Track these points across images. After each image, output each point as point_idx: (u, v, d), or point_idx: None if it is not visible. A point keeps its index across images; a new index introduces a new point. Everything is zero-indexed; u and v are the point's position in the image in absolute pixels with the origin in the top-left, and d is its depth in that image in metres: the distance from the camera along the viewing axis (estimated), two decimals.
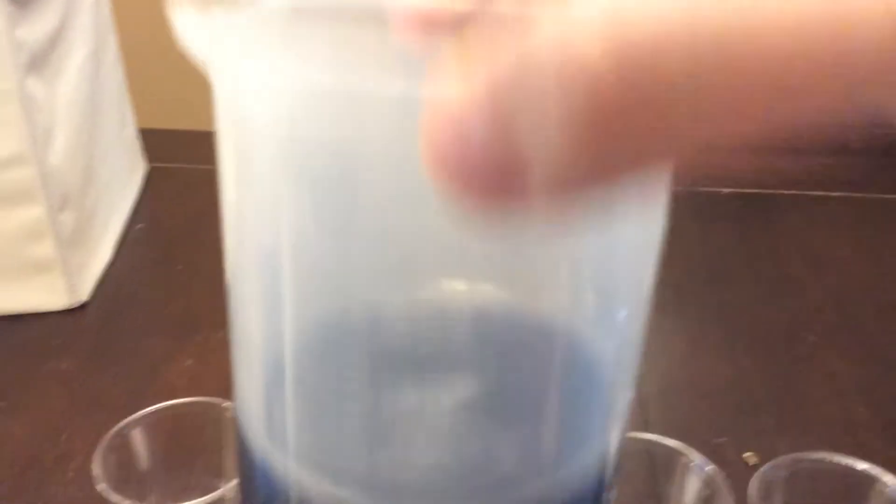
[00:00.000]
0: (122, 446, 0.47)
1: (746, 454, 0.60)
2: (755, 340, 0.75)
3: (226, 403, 0.49)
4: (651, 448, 0.48)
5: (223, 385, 0.53)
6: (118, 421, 0.49)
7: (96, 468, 0.45)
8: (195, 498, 0.44)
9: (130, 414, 0.49)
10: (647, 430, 0.58)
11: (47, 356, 0.71)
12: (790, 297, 0.81)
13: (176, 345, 0.72)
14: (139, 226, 0.89)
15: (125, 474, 0.46)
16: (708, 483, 0.46)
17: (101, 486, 0.44)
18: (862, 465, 0.45)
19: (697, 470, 0.46)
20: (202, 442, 0.49)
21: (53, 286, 0.74)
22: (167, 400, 0.51)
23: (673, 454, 0.47)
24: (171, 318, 0.77)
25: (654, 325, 0.83)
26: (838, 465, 0.46)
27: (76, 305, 0.76)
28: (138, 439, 0.48)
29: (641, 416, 0.65)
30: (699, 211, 0.95)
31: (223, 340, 0.80)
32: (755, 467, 0.50)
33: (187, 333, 0.74)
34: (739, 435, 0.63)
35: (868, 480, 0.45)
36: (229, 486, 0.45)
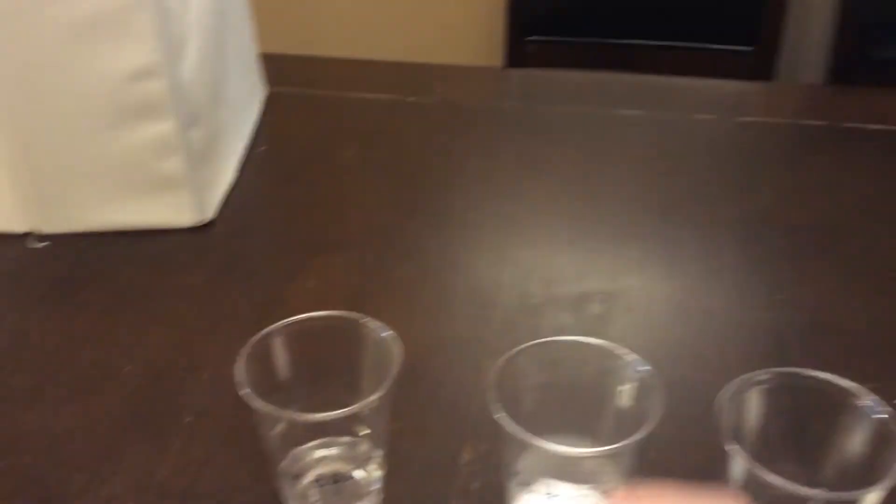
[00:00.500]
0: (263, 354, 0.46)
1: None
2: None
3: (364, 319, 0.48)
4: (814, 385, 0.44)
5: (346, 306, 0.52)
6: (246, 335, 0.48)
7: (239, 373, 0.44)
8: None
9: (258, 329, 0.49)
10: None
11: (176, 271, 0.72)
12: None
13: (299, 265, 0.72)
14: (261, 148, 0.89)
15: (265, 383, 0.46)
16: (879, 428, 0.42)
17: (245, 392, 0.43)
18: None
19: (869, 413, 0.42)
20: (341, 356, 0.49)
21: (181, 203, 0.75)
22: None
23: (842, 394, 0.43)
24: (293, 239, 0.77)
25: (802, 266, 0.78)
26: None
27: (203, 223, 0.76)
28: (279, 349, 0.47)
29: (782, 357, 0.62)
30: (849, 148, 0.89)
31: (345, 261, 0.79)
32: None
33: (309, 254, 0.73)
34: (891, 381, 0.58)
35: None
36: (367, 402, 0.44)
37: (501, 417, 0.42)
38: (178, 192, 0.74)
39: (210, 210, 0.77)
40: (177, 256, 0.73)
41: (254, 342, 0.46)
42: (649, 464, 0.53)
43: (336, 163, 0.88)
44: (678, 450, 0.54)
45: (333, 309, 0.50)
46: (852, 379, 0.59)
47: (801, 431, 0.46)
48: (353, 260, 0.73)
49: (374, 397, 0.44)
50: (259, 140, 0.90)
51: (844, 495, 0.40)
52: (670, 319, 0.66)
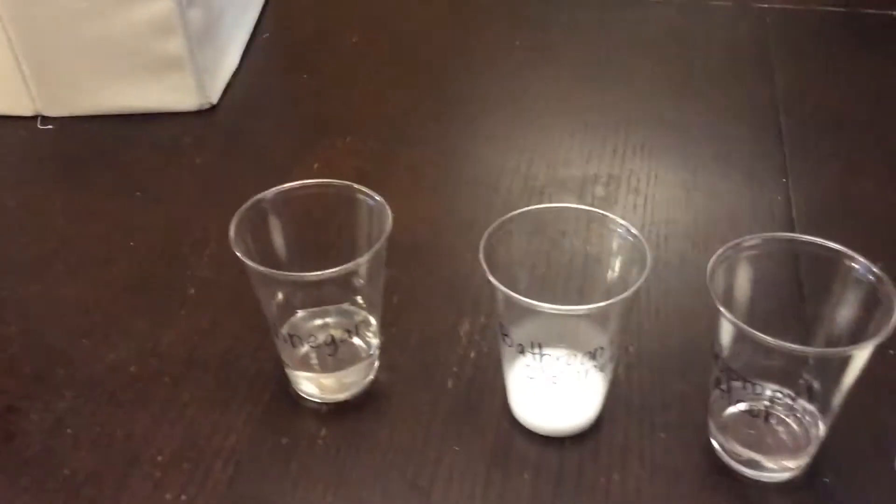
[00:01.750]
0: (256, 219, 0.47)
1: None
2: None
3: (356, 186, 0.48)
4: (804, 248, 0.44)
5: None
6: None
7: (233, 232, 0.44)
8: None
9: None
10: None
11: (181, 153, 0.72)
12: None
13: (303, 148, 0.72)
14: (265, 35, 0.88)
15: (261, 249, 0.46)
16: (871, 288, 0.42)
17: (236, 248, 0.44)
18: None
19: (859, 274, 0.42)
20: (333, 222, 0.49)
21: (184, 85, 0.74)
22: None
23: (839, 257, 0.43)
24: (298, 123, 0.76)
25: (810, 148, 0.77)
26: None
27: (207, 107, 0.76)
28: (271, 214, 0.47)
29: (788, 231, 0.61)
30: (864, 33, 0.86)
31: (349, 146, 0.79)
32: None
33: (314, 138, 0.73)
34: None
35: None
36: (357, 262, 0.45)
37: (492, 279, 0.42)
38: (181, 74, 0.73)
39: (214, 93, 0.76)
40: (182, 139, 0.73)
41: (246, 206, 0.46)
42: (647, 335, 0.54)
43: (341, 49, 0.86)
44: (675, 321, 0.55)
45: None
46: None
47: (791, 294, 0.46)
48: (358, 145, 0.72)
49: (364, 258, 0.44)
50: (264, 26, 0.89)
51: (832, 351, 0.40)
52: (675, 201, 0.66)
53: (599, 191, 0.67)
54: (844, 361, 0.41)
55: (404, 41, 0.87)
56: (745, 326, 0.40)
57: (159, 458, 0.47)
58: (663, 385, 0.51)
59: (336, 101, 0.79)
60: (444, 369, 0.52)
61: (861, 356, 0.40)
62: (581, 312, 0.41)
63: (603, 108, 0.76)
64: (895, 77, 0.79)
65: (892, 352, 0.49)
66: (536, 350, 0.44)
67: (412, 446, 0.48)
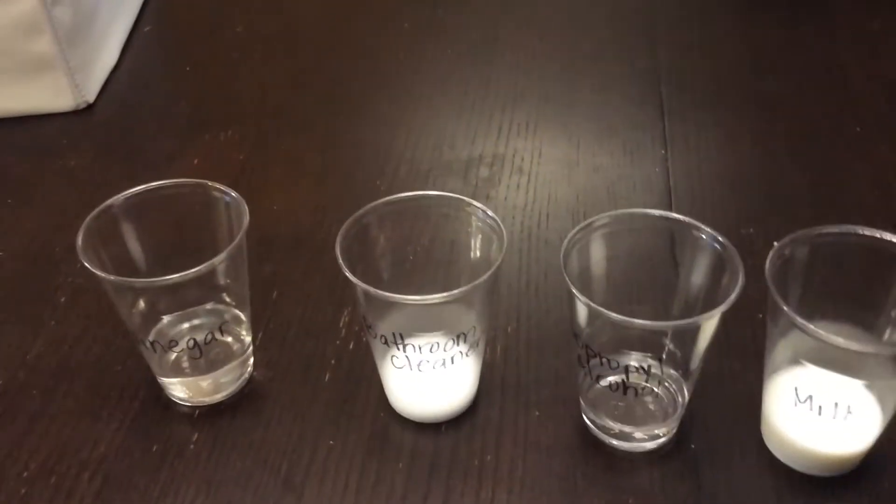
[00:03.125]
0: (108, 224, 0.45)
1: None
2: (797, 132, 0.70)
3: (212, 183, 0.47)
4: (669, 224, 0.45)
5: (229, 181, 0.50)
6: None
7: (80, 243, 0.43)
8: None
9: None
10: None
11: (56, 155, 0.69)
12: (839, 88, 0.74)
13: (183, 144, 0.70)
14: (146, 28, 0.85)
15: (114, 254, 0.45)
16: (718, 255, 0.43)
17: (85, 259, 0.43)
18: (889, 236, 0.41)
19: (708, 243, 0.43)
20: (191, 223, 0.48)
21: (58, 86, 0.72)
22: None
23: (687, 228, 0.44)
24: (178, 119, 0.74)
25: (690, 119, 0.78)
26: (863, 236, 0.42)
27: (83, 106, 0.73)
28: (125, 218, 0.46)
29: (666, 201, 0.62)
30: (746, 3, 0.87)
31: (231, 138, 0.78)
32: None
33: (195, 133, 0.71)
34: (771, 226, 0.59)
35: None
36: (218, 259, 0.44)
37: (349, 275, 0.42)
38: (53, 74, 0.71)
39: (90, 92, 0.74)
40: (58, 141, 0.71)
41: (94, 215, 0.45)
42: (525, 314, 0.54)
43: (226, 40, 0.84)
44: (553, 299, 0.55)
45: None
46: (733, 223, 0.60)
47: (645, 266, 0.46)
48: (240, 136, 0.71)
49: (221, 256, 0.43)
50: (145, 20, 0.86)
51: (683, 323, 0.41)
52: (558, 177, 0.66)
53: (484, 171, 0.67)
54: (696, 329, 0.41)
55: (289, 28, 0.86)
56: (594, 305, 0.40)
57: (25, 473, 0.46)
58: (539, 364, 0.51)
59: (218, 93, 0.77)
60: (322, 363, 0.52)
61: (712, 322, 0.41)
62: (437, 301, 0.41)
63: (490, 86, 0.76)
64: (777, 47, 0.80)
65: (760, 315, 0.50)
66: (399, 341, 0.44)
67: (287, 444, 0.47)
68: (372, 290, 0.41)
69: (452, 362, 0.45)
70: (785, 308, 0.39)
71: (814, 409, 0.42)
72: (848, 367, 0.41)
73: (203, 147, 0.70)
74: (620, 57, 0.79)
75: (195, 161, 0.68)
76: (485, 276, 0.42)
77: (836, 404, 0.41)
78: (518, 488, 0.45)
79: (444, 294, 0.41)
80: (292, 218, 0.63)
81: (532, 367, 0.51)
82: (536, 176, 0.66)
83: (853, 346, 0.39)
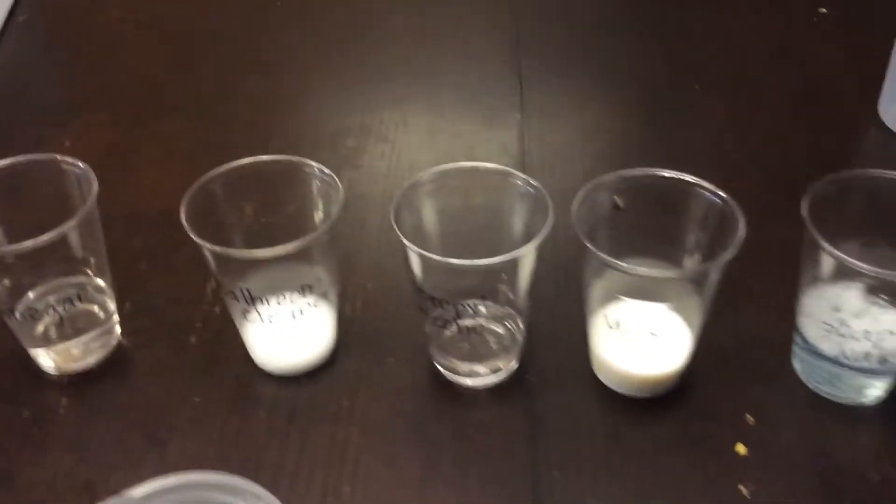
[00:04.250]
0: None
1: (614, 197, 0.61)
2: (641, 91, 0.75)
3: (62, 157, 0.49)
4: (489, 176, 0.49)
5: (101, 162, 0.52)
6: None
7: None
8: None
9: None
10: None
11: None
12: (684, 50, 0.79)
13: (55, 128, 0.71)
14: (21, 18, 0.86)
15: None
16: (533, 198, 0.47)
17: None
18: (685, 176, 0.46)
19: (524, 188, 0.47)
20: (41, 195, 0.50)
21: None
22: None
23: (503, 176, 0.48)
24: (52, 106, 0.75)
25: (545, 86, 0.82)
26: (662, 177, 0.47)
27: None
28: None
29: (520, 162, 0.66)
30: None
31: (104, 120, 0.79)
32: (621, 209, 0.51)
33: (67, 118, 0.73)
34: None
35: (688, 187, 0.46)
36: (66, 226, 0.46)
37: (197, 240, 0.45)
38: None
39: None
40: None
41: None
42: (384, 271, 0.58)
43: (102, 24, 0.85)
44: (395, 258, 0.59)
45: (88, 163, 0.50)
46: (579, 179, 0.64)
47: (468, 215, 0.50)
48: (113, 119, 0.73)
49: (70, 223, 0.45)
50: (19, 9, 0.87)
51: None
52: (420, 145, 0.70)
53: (351, 142, 0.70)
54: (515, 264, 0.45)
55: (164, 11, 0.87)
56: (425, 253, 0.44)
57: None
58: (396, 316, 0.55)
59: (94, 77, 0.78)
60: (188, 327, 0.54)
61: (528, 257, 0.45)
62: (275, 254, 0.44)
63: (358, 62, 0.79)
64: (628, 11, 0.85)
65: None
66: (248, 296, 0.47)
67: (153, 404, 0.50)
68: (218, 249, 0.44)
69: (302, 314, 0.48)
70: (589, 246, 0.43)
71: (623, 334, 0.46)
72: (656, 294, 0.46)
73: (76, 129, 0.71)
74: (483, 28, 0.83)
75: (66, 143, 0.69)
76: (320, 231, 0.45)
77: (639, 326, 0.45)
78: (371, 428, 0.49)
79: (280, 248, 0.44)
80: (163, 193, 0.64)
81: (389, 319, 0.55)
82: (400, 144, 0.70)
83: (654, 272, 0.44)
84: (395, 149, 0.69)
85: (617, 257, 0.43)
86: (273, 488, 0.45)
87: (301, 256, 0.46)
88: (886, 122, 0.68)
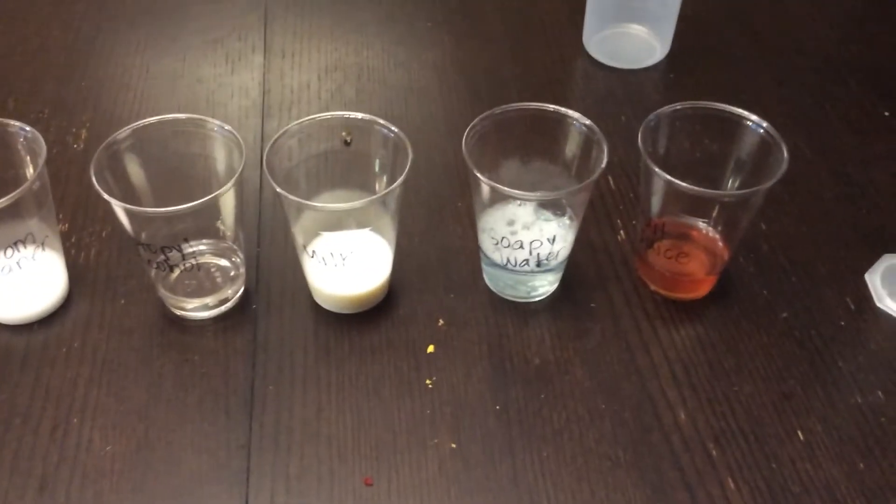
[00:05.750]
0: None
1: (343, 133, 0.66)
2: (377, 28, 0.79)
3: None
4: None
5: None
6: None
7: None
8: None
9: None
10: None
11: None
12: None
13: None
14: None
15: None
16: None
17: None
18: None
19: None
20: None
21: None
22: None
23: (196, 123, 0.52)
24: None
25: (290, 22, 0.83)
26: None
27: None
28: None
29: (256, 103, 0.70)
30: None
31: None
32: None
33: None
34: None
35: (369, 126, 0.52)
36: None
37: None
38: None
39: None
40: None
41: None
42: (100, 216, 0.61)
43: None
44: None
45: None
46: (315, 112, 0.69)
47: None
48: None
49: None
50: None
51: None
52: (162, 92, 0.72)
53: (93, 89, 0.71)
54: (217, 206, 0.50)
55: None
56: (123, 204, 0.47)
57: None
58: (127, 262, 0.58)
59: None
60: None
61: (228, 195, 0.49)
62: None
63: (103, 8, 0.80)
64: None
65: None
66: None
67: None
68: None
69: (20, 267, 0.51)
70: (280, 191, 0.48)
71: (321, 262, 0.52)
72: (351, 223, 0.52)
73: None
74: None
75: None
76: (21, 189, 0.48)
77: (333, 254, 0.51)
78: (100, 365, 0.53)
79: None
80: None
81: (123, 263, 0.58)
82: (143, 91, 0.72)
83: (335, 207, 0.49)
84: (138, 97, 0.71)
85: (320, 191, 0.49)
86: (6, 427, 0.49)
87: (11, 212, 0.48)
88: (590, 52, 0.76)
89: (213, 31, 0.78)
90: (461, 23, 0.80)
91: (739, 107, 0.53)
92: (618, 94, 0.73)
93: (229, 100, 0.71)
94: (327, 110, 0.70)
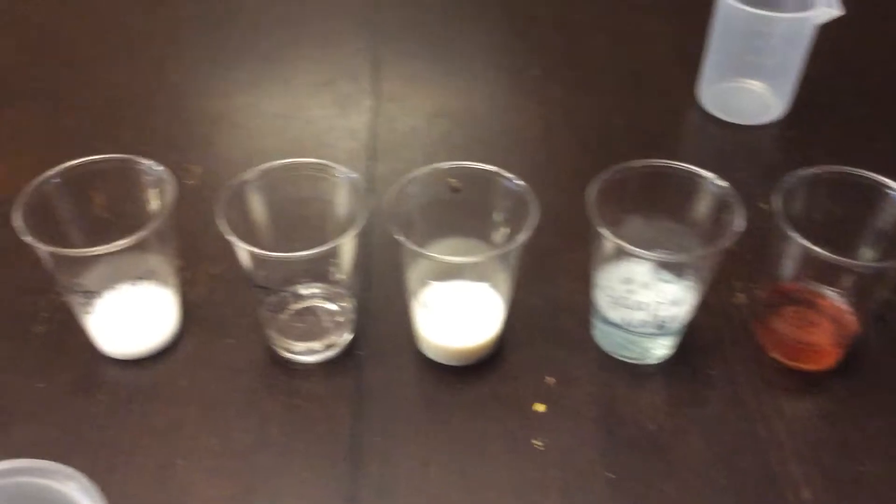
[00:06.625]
0: None
1: (449, 180, 0.65)
2: (485, 75, 0.79)
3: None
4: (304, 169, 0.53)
5: None
6: None
7: None
8: None
9: None
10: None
11: None
12: (521, 36, 0.84)
13: None
14: None
15: None
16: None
17: None
18: (489, 167, 0.51)
19: (344, 179, 0.51)
20: None
21: None
22: None
23: (324, 169, 0.52)
24: None
25: (401, 66, 0.84)
26: (476, 169, 0.51)
27: None
28: None
29: (366, 147, 0.70)
30: None
31: None
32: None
33: None
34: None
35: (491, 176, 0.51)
36: None
37: (32, 242, 0.47)
38: None
39: None
40: None
41: None
42: (222, 259, 0.61)
43: None
44: None
45: None
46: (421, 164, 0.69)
47: (295, 210, 0.54)
48: None
49: None
50: None
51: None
52: (273, 130, 0.72)
53: (205, 128, 0.72)
54: (337, 250, 0.49)
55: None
56: (253, 249, 0.47)
57: None
58: (239, 301, 0.58)
59: None
60: (35, 318, 0.57)
61: (349, 243, 0.49)
62: (110, 250, 0.47)
63: (214, 47, 0.81)
64: (482, 5, 0.90)
65: None
66: (83, 289, 0.50)
67: None
68: (51, 248, 0.47)
69: (140, 303, 0.51)
70: (399, 238, 0.48)
71: (434, 312, 0.51)
72: (466, 273, 0.51)
73: None
74: (342, 12, 0.86)
75: None
76: (151, 226, 0.48)
77: (447, 305, 0.50)
78: (206, 405, 0.52)
79: (118, 243, 0.47)
80: (12, 185, 0.66)
81: (232, 303, 0.58)
82: (253, 130, 0.73)
83: (456, 260, 0.49)
84: (248, 135, 0.72)
85: (434, 239, 0.48)
86: (110, 465, 0.49)
87: (135, 249, 0.48)
88: (704, 105, 0.74)
89: (323, 74, 0.78)
90: (570, 72, 0.79)
91: (878, 173, 0.51)
92: (732, 149, 0.71)
93: (337, 141, 0.71)
94: (435, 155, 0.70)
